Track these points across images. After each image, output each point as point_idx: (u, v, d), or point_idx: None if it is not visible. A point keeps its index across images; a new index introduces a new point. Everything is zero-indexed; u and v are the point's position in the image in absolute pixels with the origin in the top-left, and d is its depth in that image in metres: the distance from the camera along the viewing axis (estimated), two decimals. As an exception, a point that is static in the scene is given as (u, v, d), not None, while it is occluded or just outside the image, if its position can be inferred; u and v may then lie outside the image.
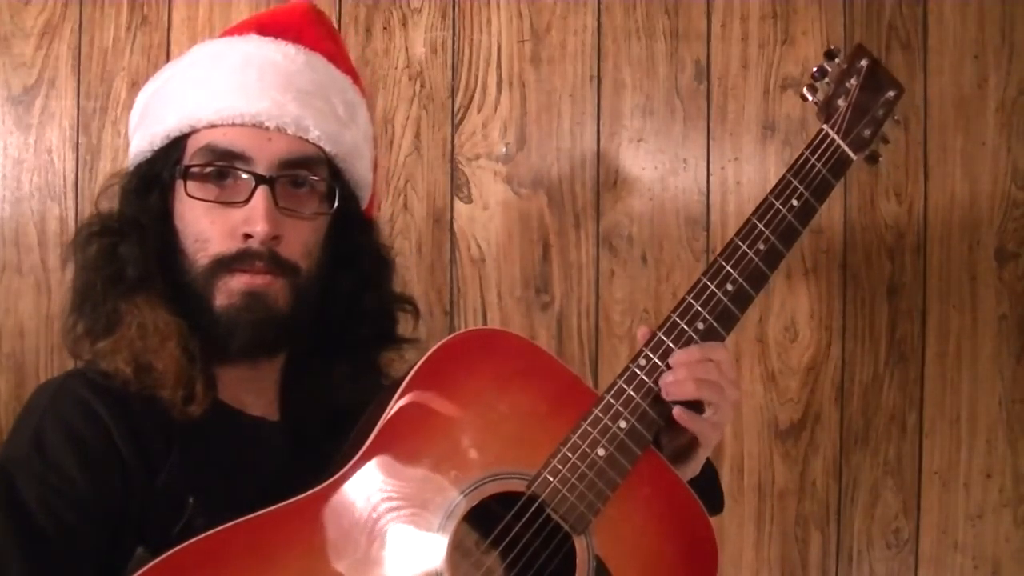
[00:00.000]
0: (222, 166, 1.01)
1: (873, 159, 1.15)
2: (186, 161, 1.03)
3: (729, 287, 1.05)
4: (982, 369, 1.61)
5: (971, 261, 1.62)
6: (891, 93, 1.15)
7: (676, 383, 1.00)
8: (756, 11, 1.60)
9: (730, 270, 1.05)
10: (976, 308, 1.62)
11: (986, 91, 1.62)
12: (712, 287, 1.05)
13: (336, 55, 1.13)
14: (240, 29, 1.11)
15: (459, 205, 1.59)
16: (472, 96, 1.59)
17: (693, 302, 1.04)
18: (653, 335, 1.03)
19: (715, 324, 1.04)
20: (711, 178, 1.60)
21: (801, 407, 1.61)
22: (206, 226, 1.01)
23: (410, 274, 1.58)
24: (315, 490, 0.94)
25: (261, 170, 1.01)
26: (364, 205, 1.16)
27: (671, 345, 1.02)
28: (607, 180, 1.60)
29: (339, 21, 1.58)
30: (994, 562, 1.61)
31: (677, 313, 1.04)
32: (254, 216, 1.00)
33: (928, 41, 1.61)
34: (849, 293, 1.62)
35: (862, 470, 1.61)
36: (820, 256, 1.61)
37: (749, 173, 1.60)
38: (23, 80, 1.55)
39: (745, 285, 1.05)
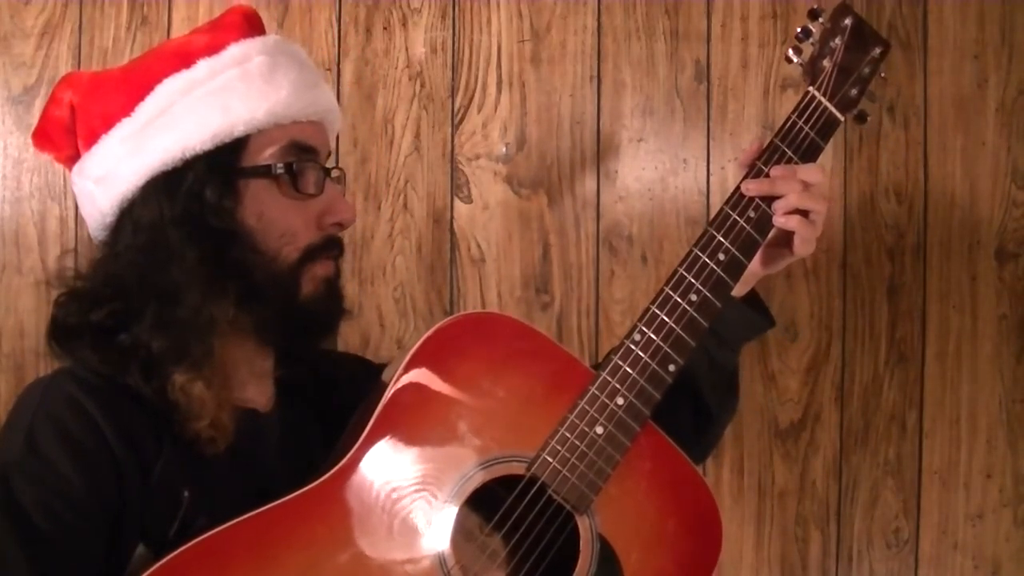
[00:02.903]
0: (306, 163, 1.05)
1: (862, 119, 1.14)
2: (262, 160, 1.03)
3: (721, 256, 1.05)
4: (982, 369, 1.61)
5: (971, 261, 1.62)
6: (877, 50, 1.13)
7: (784, 216, 1.07)
8: (756, 11, 1.60)
9: (721, 239, 1.05)
10: (976, 308, 1.62)
11: (986, 91, 1.62)
12: (704, 257, 1.04)
13: None
14: (250, 30, 1.09)
15: (459, 205, 1.59)
16: (472, 96, 1.60)
17: (685, 274, 1.04)
18: (647, 309, 1.03)
19: (709, 295, 1.03)
20: (711, 178, 1.60)
21: (801, 407, 1.61)
22: (291, 220, 1.04)
23: (410, 274, 1.58)
24: (314, 484, 0.94)
25: (323, 162, 1.07)
26: None
27: (665, 319, 1.02)
28: (607, 180, 1.60)
29: (339, 21, 1.58)
30: (994, 562, 1.61)
31: (670, 286, 1.04)
32: (339, 206, 1.07)
33: (928, 41, 1.61)
34: (849, 293, 1.62)
35: (862, 470, 1.61)
36: (820, 256, 1.61)
37: (749, 173, 1.59)
38: (23, 80, 1.55)
39: (737, 254, 1.05)
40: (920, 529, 1.61)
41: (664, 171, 1.61)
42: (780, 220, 1.07)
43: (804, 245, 1.09)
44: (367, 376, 1.12)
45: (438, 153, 1.59)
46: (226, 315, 1.00)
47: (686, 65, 1.61)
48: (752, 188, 1.07)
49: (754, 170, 1.08)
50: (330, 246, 1.07)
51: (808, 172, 1.07)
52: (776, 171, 1.07)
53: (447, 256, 1.59)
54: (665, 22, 1.60)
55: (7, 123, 1.55)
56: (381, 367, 1.24)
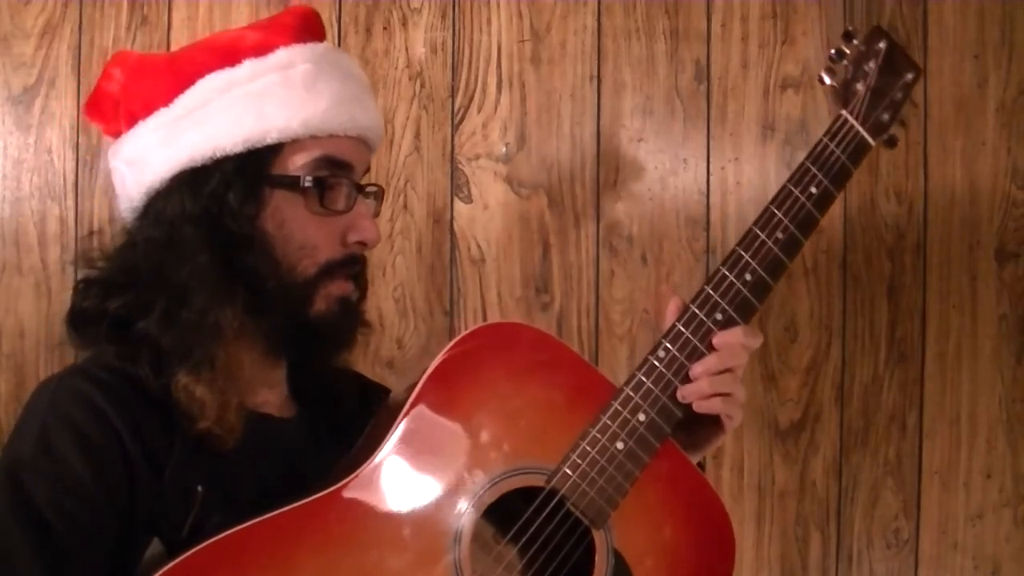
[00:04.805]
0: (338, 178, 1.04)
1: (891, 143, 1.14)
2: (292, 170, 1.02)
3: (748, 277, 1.04)
4: (982, 369, 1.61)
5: (971, 261, 1.62)
6: (909, 76, 1.12)
7: (700, 398, 1.01)
8: (756, 11, 1.60)
9: (749, 259, 1.04)
10: (976, 308, 1.62)
11: (986, 91, 1.62)
12: (731, 277, 1.03)
13: None
14: (304, 34, 1.08)
15: (459, 205, 1.59)
16: (472, 96, 1.60)
17: (712, 293, 1.03)
18: (673, 326, 1.02)
19: (734, 315, 1.03)
20: (711, 178, 1.60)
21: (801, 407, 1.61)
22: (312, 233, 1.02)
23: (410, 274, 1.58)
24: (333, 488, 0.94)
25: (358, 179, 1.06)
26: None
27: (690, 336, 1.02)
28: (607, 180, 1.60)
29: (339, 21, 1.58)
30: (994, 562, 1.61)
31: (696, 304, 1.03)
32: (364, 224, 1.05)
33: (928, 41, 1.61)
34: (849, 293, 1.62)
35: (862, 470, 1.61)
36: (820, 256, 1.61)
37: (749, 173, 1.60)
38: (23, 80, 1.55)
39: (764, 274, 1.04)
40: (920, 529, 1.61)
41: (664, 171, 1.61)
42: (704, 405, 1.02)
43: (733, 422, 1.05)
44: (364, 389, 1.12)
45: (438, 153, 1.59)
46: (232, 322, 0.99)
47: (686, 65, 1.61)
48: (689, 393, 1.01)
49: (674, 331, 1.02)
50: (350, 264, 1.05)
51: (751, 337, 1.03)
52: (720, 339, 1.02)
53: (447, 256, 1.59)
54: (665, 22, 1.60)
55: (7, 123, 1.55)
56: (377, 385, 1.24)
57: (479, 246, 1.59)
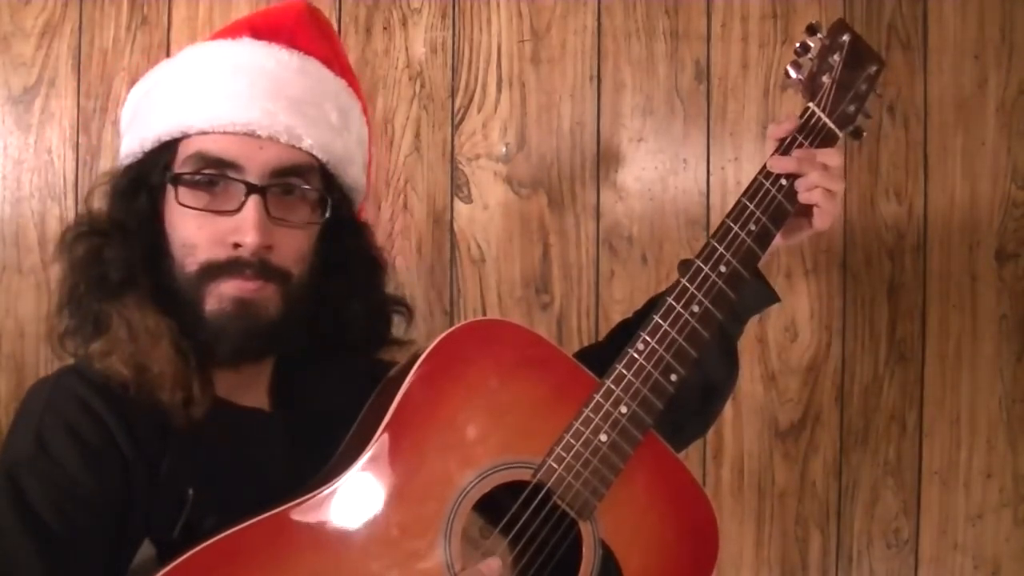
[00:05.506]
0: (212, 174, 1.01)
1: (857, 135, 1.16)
2: (176, 168, 1.02)
3: (723, 268, 1.06)
4: (982, 369, 1.61)
5: (971, 261, 1.62)
6: (873, 68, 1.15)
7: (807, 191, 1.10)
8: (756, 11, 1.60)
9: (723, 251, 1.07)
10: (976, 308, 1.62)
11: (986, 91, 1.62)
12: (706, 269, 1.06)
13: (331, 58, 1.13)
14: (233, 31, 1.10)
15: (459, 205, 1.59)
16: (472, 96, 1.60)
17: (688, 285, 1.05)
18: (651, 319, 1.04)
19: (710, 306, 1.05)
20: (711, 178, 1.60)
21: (801, 407, 1.61)
22: (194, 232, 1.01)
23: (410, 274, 1.58)
24: (324, 488, 0.95)
25: (252, 179, 1.01)
26: (356, 208, 1.15)
27: (668, 329, 1.03)
28: (607, 180, 1.60)
29: (339, 21, 1.58)
30: (994, 562, 1.61)
31: (673, 296, 1.05)
32: (245, 226, 1.00)
33: (928, 41, 1.62)
34: (849, 293, 1.62)
35: (862, 470, 1.61)
36: (820, 256, 1.61)
37: (749, 173, 1.59)
38: (23, 80, 1.55)
39: (739, 267, 1.07)
40: (920, 529, 1.61)
41: (664, 171, 1.61)
42: (804, 196, 1.10)
43: (824, 218, 1.12)
44: (367, 387, 1.12)
45: (438, 153, 1.59)
46: (143, 314, 1.01)
47: (686, 65, 1.61)
48: (778, 165, 1.09)
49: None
50: (232, 267, 1.00)
51: (826, 155, 1.11)
52: (798, 154, 1.10)
53: (447, 256, 1.59)
54: (665, 22, 1.60)
55: (7, 123, 1.55)
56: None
57: (479, 246, 1.59)
